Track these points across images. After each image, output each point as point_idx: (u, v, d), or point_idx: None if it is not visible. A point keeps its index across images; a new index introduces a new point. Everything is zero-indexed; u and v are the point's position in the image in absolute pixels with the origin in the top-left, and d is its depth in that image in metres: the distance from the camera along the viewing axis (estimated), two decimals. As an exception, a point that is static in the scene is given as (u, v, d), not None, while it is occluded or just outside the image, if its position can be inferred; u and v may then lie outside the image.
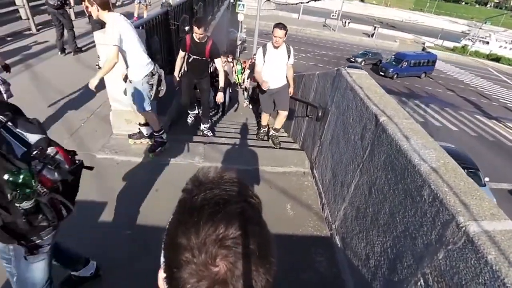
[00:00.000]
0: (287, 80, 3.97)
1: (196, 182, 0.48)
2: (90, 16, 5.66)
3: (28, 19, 6.83)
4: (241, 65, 8.51)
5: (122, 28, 2.61)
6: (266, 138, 4.64)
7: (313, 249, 2.46)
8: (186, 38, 3.81)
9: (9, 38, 6.33)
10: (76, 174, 1.38)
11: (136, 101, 2.99)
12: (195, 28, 3.61)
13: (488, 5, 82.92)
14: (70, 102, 4.26)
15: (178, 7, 5.18)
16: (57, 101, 4.21)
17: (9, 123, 1.14)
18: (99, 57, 5.29)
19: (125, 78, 2.99)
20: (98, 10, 2.57)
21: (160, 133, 3.31)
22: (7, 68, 3.21)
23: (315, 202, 3.00)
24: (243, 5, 15.76)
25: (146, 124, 3.36)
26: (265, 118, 4.43)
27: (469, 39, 34.48)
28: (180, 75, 4.22)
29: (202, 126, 4.52)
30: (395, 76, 21.60)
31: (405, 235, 1.54)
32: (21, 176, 1.00)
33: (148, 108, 3.08)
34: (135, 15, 8.27)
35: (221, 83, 4.00)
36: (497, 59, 32.14)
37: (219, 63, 3.93)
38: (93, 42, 6.62)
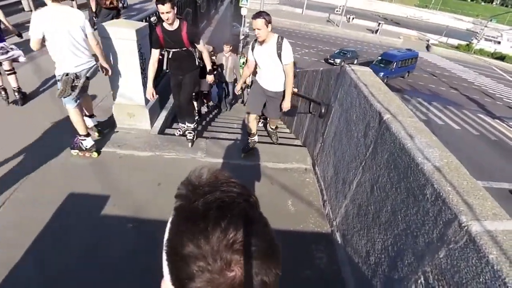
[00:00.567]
0: (285, 86, 3.16)
1: (190, 186, 0.46)
2: (96, 12, 5.70)
3: (31, 11, 6.82)
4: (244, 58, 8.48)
5: (41, 24, 2.54)
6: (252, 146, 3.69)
7: (313, 245, 2.47)
8: (156, 30, 3.03)
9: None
10: None
11: None
12: (159, 7, 2.75)
13: (494, 3, 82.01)
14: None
15: (181, 0, 5.15)
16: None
17: None
18: None
19: None
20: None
21: (81, 138, 2.99)
22: (19, 35, 4.12)
23: (316, 198, 3.01)
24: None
25: (91, 116, 3.43)
26: (252, 123, 3.51)
27: (476, 37, 34.01)
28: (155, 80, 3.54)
29: (186, 126, 3.67)
30: (385, 80, 18.87)
31: (406, 233, 1.55)
32: None
33: (67, 104, 2.85)
34: None
35: (208, 65, 3.35)
36: (501, 57, 31.86)
37: (201, 47, 3.20)
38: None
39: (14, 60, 3.66)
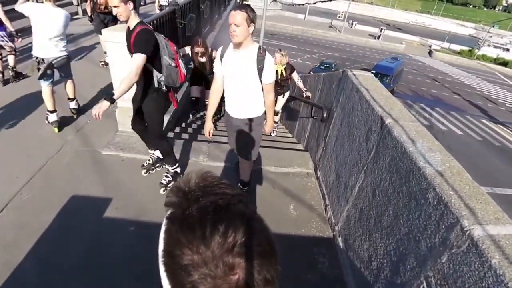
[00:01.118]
0: (264, 108, 2.43)
1: (180, 193, 0.45)
2: (91, 16, 5.75)
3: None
4: None
5: (31, 6, 3.21)
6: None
7: (315, 250, 2.46)
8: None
9: (19, 34, 6.38)
10: None
11: None
12: None
13: (497, 9, 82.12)
14: (77, 98, 4.29)
15: (185, 6, 5.20)
16: (62, 97, 4.24)
17: None
18: (105, 53, 5.36)
19: None
20: None
21: (47, 112, 3.48)
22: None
23: (318, 203, 3.00)
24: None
25: (72, 99, 3.87)
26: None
27: (479, 43, 33.86)
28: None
29: (165, 172, 2.86)
30: None
31: (408, 238, 1.54)
32: None
33: (40, 82, 3.35)
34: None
35: (116, 91, 2.21)
36: (504, 63, 31.81)
37: (133, 63, 2.23)
38: (94, 41, 6.67)
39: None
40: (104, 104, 2.12)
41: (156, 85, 2.43)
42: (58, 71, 3.47)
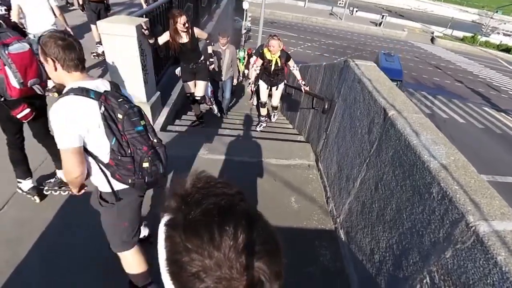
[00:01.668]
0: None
1: (177, 197, 0.44)
2: (83, 5, 5.60)
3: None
4: (244, 51, 8.29)
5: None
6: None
7: (317, 242, 2.46)
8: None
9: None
10: None
11: None
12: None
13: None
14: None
15: (183, -5, 5.09)
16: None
17: None
18: (97, 44, 5.25)
19: None
20: None
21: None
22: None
23: (319, 195, 2.99)
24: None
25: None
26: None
27: (482, 29, 33.14)
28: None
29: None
30: None
31: (411, 232, 1.52)
32: None
33: None
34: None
35: None
36: (507, 49, 31.32)
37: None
38: (86, 32, 6.50)
39: None
40: None
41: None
42: None
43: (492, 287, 1.05)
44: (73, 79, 1.38)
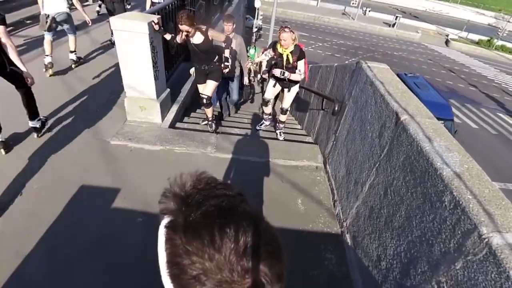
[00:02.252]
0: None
1: (177, 198, 0.43)
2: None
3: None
4: (256, 49, 8.23)
5: None
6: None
7: (322, 246, 2.43)
8: None
9: (28, 21, 6.41)
10: None
11: None
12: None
13: (519, -4, 78.21)
14: (86, 88, 4.31)
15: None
16: (73, 87, 4.26)
17: None
18: (112, 34, 5.39)
19: None
20: None
21: (44, 56, 4.43)
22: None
23: (326, 198, 2.95)
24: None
25: (72, 52, 4.86)
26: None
27: (498, 34, 32.22)
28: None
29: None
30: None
31: (421, 241, 1.49)
32: None
33: (45, 34, 4.45)
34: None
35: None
36: (525, 54, 30.47)
37: None
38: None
39: None
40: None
41: None
42: (62, 25, 4.52)
43: (504, 302, 1.01)
44: None
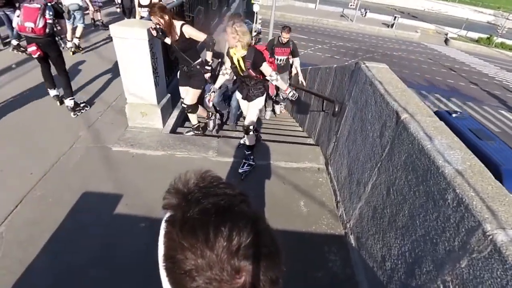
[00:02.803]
0: None
1: (179, 194, 0.44)
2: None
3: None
4: None
5: None
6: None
7: (326, 247, 2.42)
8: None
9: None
10: None
11: None
12: None
13: (518, -7, 78.14)
14: (87, 94, 4.33)
15: (193, -2, 5.13)
16: (74, 93, 4.29)
17: None
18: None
19: None
20: None
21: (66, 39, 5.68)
22: None
23: (329, 199, 2.94)
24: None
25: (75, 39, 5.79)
26: None
27: (497, 32, 32.13)
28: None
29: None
30: None
31: (425, 240, 1.47)
32: None
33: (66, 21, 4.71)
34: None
35: None
36: (525, 51, 30.37)
37: None
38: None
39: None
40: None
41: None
42: (75, 15, 5.70)
43: (510, 299, 1.00)
44: None
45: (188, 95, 3.51)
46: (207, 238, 0.38)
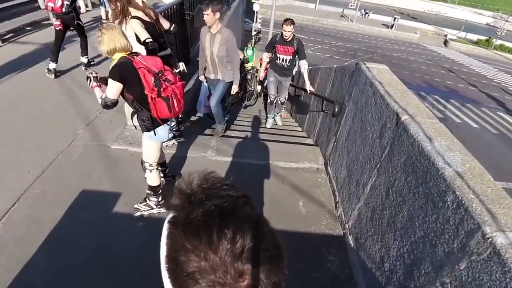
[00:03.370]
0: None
1: (182, 196, 0.43)
2: None
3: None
4: (253, 50, 8.19)
5: None
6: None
7: (324, 248, 2.42)
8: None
9: (28, 28, 6.44)
10: None
11: None
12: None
13: (517, -4, 78.31)
14: (87, 92, 4.31)
15: (193, -3, 5.12)
16: (73, 91, 4.27)
17: None
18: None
19: None
20: None
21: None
22: None
23: (328, 200, 2.94)
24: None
25: None
26: None
27: (496, 34, 32.23)
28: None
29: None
30: None
31: (424, 241, 1.48)
32: None
33: None
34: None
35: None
36: (524, 53, 30.47)
37: None
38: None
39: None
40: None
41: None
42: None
43: (509, 302, 1.00)
44: None
45: None
46: (211, 240, 0.37)
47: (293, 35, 4.17)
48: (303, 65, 4.27)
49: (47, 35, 6.14)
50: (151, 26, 2.85)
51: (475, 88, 20.01)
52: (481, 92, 19.29)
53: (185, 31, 4.88)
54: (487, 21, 43.46)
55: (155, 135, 2.16)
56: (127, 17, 2.72)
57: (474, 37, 33.04)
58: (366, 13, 33.48)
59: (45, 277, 1.97)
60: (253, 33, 16.75)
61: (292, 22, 4.07)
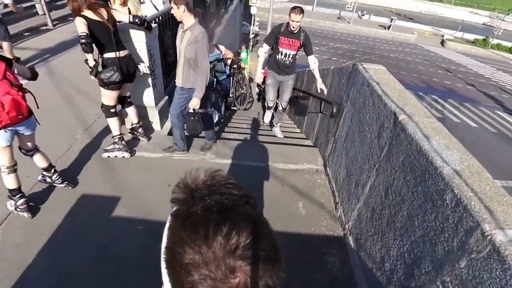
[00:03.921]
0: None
1: (187, 190, 0.44)
2: None
3: (45, 14, 6.93)
4: (248, 52, 8.18)
5: None
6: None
7: (325, 249, 2.41)
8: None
9: (26, 34, 6.46)
10: None
11: None
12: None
13: (513, -5, 78.78)
14: (85, 97, 4.32)
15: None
16: (72, 96, 4.27)
17: None
18: None
19: None
20: None
21: None
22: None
23: (328, 200, 2.94)
24: None
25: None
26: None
27: (493, 33, 32.33)
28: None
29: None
30: None
31: (424, 240, 1.48)
32: None
33: None
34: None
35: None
36: (521, 52, 30.62)
37: None
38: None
39: None
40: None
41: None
42: None
43: (509, 299, 1.00)
44: None
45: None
46: (207, 234, 0.38)
47: (300, 27, 3.60)
48: (312, 61, 3.70)
49: (45, 41, 6.17)
50: (100, 25, 2.66)
51: (473, 87, 20.09)
52: (479, 91, 19.36)
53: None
54: (484, 20, 43.71)
55: None
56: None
57: (471, 36, 33.22)
58: (363, 14, 33.64)
59: (45, 281, 1.97)
60: (251, 36, 16.82)
61: (301, 10, 3.46)
